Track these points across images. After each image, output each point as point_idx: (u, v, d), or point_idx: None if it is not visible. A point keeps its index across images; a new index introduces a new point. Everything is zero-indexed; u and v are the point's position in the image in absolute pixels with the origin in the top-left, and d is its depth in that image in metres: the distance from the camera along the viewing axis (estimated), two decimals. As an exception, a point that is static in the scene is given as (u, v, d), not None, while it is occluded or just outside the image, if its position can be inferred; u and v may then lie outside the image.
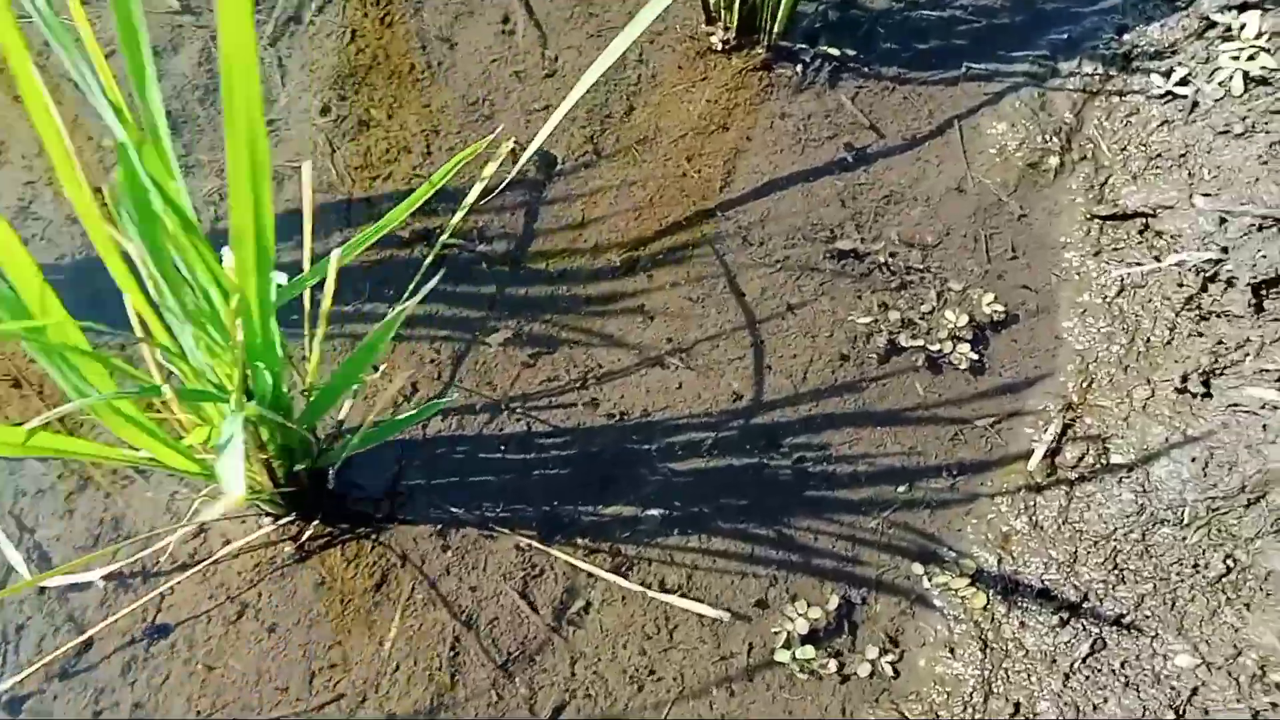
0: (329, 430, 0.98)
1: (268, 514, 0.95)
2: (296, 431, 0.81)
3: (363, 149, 1.10)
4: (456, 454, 0.98)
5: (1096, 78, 1.08)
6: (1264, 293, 0.88)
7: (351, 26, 1.16)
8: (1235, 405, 0.86)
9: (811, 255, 1.05)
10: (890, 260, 1.04)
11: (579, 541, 0.94)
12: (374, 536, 0.95)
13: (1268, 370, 0.85)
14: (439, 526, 0.95)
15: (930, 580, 0.91)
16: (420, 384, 1.02)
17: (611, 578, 0.91)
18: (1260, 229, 0.90)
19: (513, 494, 0.96)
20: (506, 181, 1.05)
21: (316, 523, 0.95)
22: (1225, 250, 0.90)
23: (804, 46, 1.12)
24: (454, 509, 0.96)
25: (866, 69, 1.12)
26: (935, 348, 0.99)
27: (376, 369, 1.03)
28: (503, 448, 0.99)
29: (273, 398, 0.77)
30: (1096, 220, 1.02)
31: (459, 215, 1.00)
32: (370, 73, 1.14)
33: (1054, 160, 1.04)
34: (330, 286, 0.74)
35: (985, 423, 0.98)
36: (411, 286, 1.00)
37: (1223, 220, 0.93)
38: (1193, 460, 0.87)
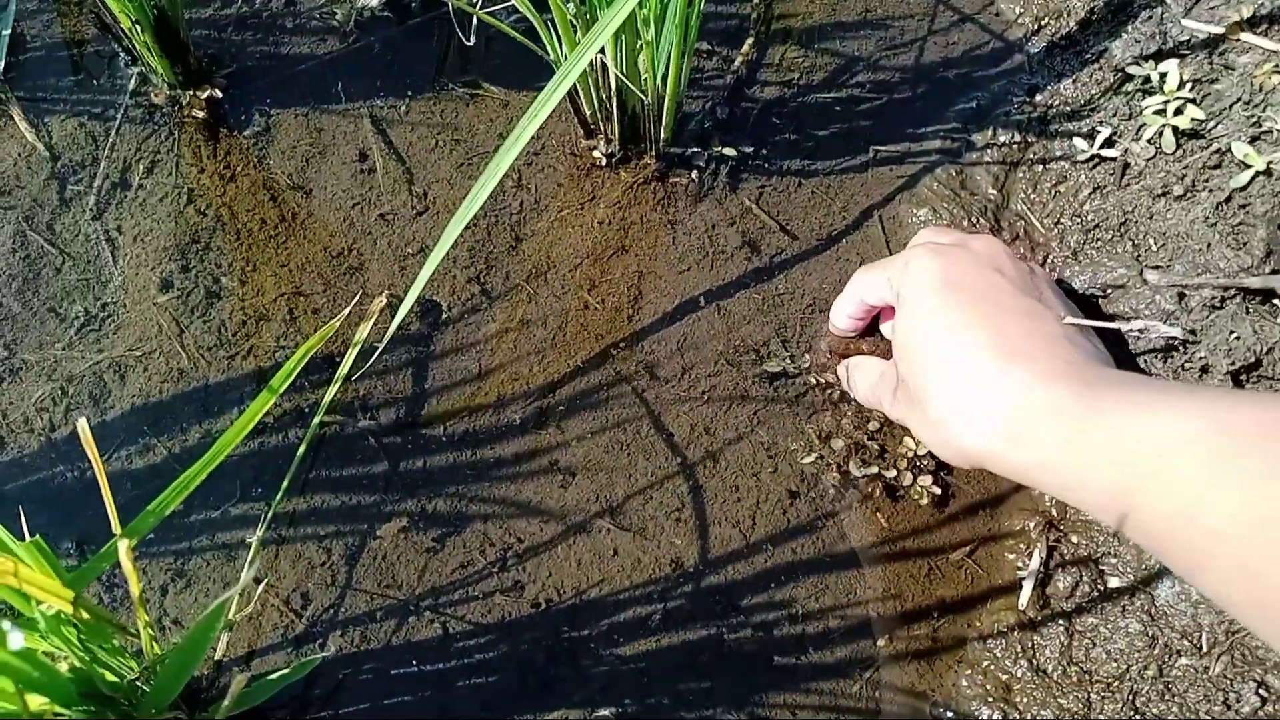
0: (206, 674, 0.83)
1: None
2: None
3: (215, 325, 0.96)
4: (364, 675, 0.84)
5: (1015, 146, 1.00)
6: (1244, 379, 0.79)
7: (188, 185, 1.02)
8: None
9: (739, 382, 0.94)
10: (824, 377, 0.93)
11: (521, 763, 0.80)
12: (279, 792, 0.80)
13: (1267, 466, 0.76)
14: (355, 770, 0.80)
15: (931, 752, 0.79)
16: (312, 593, 0.87)
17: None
18: (1223, 303, 0.82)
19: (436, 715, 0.82)
20: (386, 341, 0.92)
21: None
22: (1194, 333, 0.81)
23: (697, 150, 1.02)
24: (370, 745, 0.81)
25: (767, 165, 1.02)
26: (891, 474, 0.88)
27: (259, 581, 0.88)
28: (416, 659, 0.84)
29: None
30: (1043, 306, 0.92)
31: (332, 390, 0.87)
32: (215, 235, 1.00)
33: (985, 243, 0.95)
34: (132, 575, 0.58)
35: (960, 553, 0.87)
36: (284, 484, 0.86)
37: (1181, 296, 0.84)
38: (1201, 578, 0.76)
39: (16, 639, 0.47)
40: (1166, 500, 0.55)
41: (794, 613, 0.85)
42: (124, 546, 0.52)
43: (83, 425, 0.56)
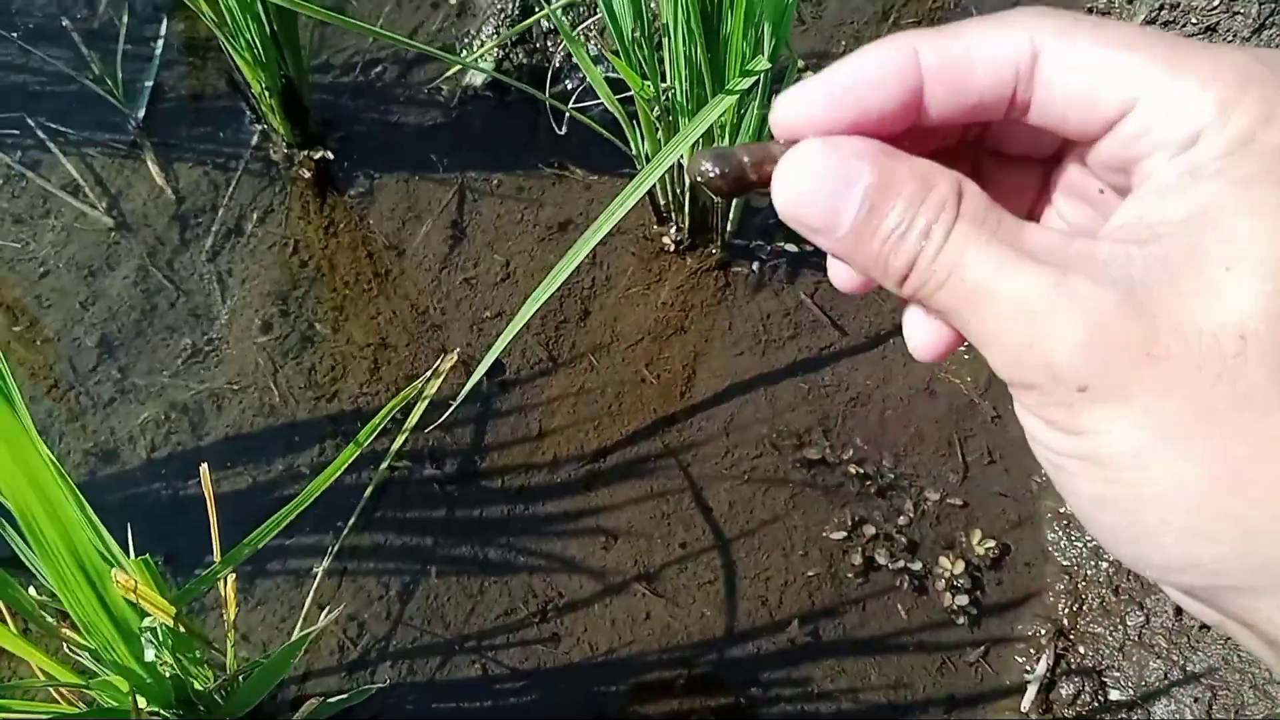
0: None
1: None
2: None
3: (306, 367, 1.05)
4: (408, 706, 0.91)
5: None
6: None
7: (294, 237, 1.12)
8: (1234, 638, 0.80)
9: (779, 465, 1.00)
10: (861, 469, 0.99)
11: (543, 805, 0.87)
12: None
13: (1268, 600, 0.80)
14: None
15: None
16: (367, 624, 0.95)
17: None
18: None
19: (470, 751, 0.89)
20: (461, 399, 1.00)
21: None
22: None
23: (760, 243, 1.09)
24: (407, 772, 0.88)
25: (824, 262, 1.09)
26: (916, 566, 0.94)
27: (323, 608, 0.96)
28: (456, 697, 0.91)
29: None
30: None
31: (399, 440, 0.95)
32: (315, 285, 1.10)
33: (1024, 357, 1.00)
34: (231, 600, 0.67)
35: (975, 653, 0.92)
36: (351, 520, 0.94)
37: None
38: (1195, 700, 0.81)
39: (150, 653, 0.56)
40: None
41: (810, 691, 0.91)
42: (231, 580, 0.60)
43: (204, 470, 0.64)
